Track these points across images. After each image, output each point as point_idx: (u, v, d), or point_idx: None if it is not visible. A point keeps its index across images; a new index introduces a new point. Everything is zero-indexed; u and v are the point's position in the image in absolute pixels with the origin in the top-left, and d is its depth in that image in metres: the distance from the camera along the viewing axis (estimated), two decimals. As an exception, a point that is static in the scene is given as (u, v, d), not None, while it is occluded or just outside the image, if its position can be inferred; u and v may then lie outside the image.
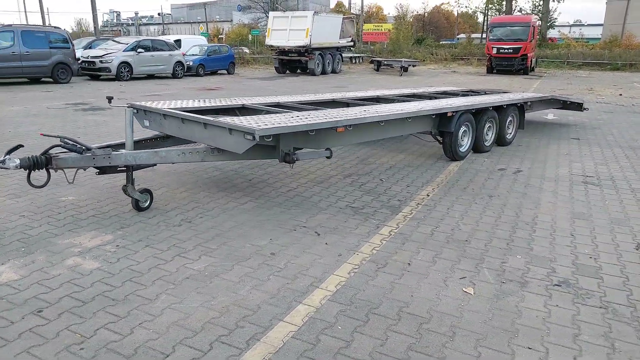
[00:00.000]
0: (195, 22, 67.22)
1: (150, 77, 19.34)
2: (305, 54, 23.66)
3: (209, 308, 2.64)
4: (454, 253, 3.44)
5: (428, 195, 4.80)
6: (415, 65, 27.86)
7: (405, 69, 26.31)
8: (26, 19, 28.88)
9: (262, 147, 4.16)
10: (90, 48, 19.23)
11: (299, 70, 25.40)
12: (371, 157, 6.48)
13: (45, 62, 15.11)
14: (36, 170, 3.47)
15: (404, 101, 6.79)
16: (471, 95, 8.17)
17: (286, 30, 23.72)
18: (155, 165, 4.22)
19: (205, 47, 22.38)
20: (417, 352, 2.30)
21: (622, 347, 2.38)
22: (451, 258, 3.36)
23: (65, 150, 3.58)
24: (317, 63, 24.30)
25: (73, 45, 16.31)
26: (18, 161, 3.34)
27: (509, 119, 7.26)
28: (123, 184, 4.00)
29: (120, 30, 72.29)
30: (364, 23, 51.08)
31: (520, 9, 47.38)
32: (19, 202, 4.28)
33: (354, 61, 40.28)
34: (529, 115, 9.70)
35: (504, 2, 45.80)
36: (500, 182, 5.32)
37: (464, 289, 2.92)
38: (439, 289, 2.92)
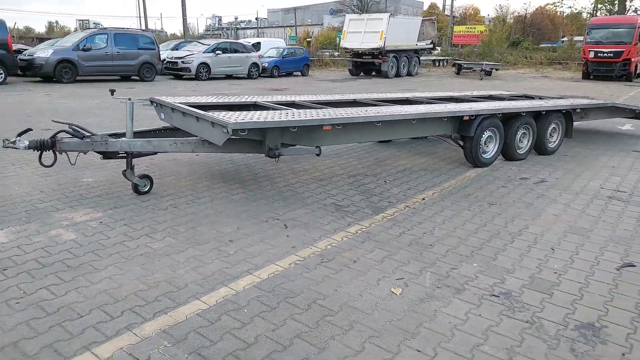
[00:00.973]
0: (288, 26, 69.72)
1: (229, 77, 20.48)
2: (379, 56, 23.64)
3: (142, 282, 2.89)
4: (408, 255, 3.39)
5: (423, 199, 4.71)
6: (498, 69, 26.57)
7: (489, 73, 25.25)
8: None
9: (248, 141, 4.38)
10: (176, 49, 20.81)
11: (373, 73, 25.44)
12: (390, 159, 6.43)
13: (133, 62, 16.66)
14: (44, 151, 3.98)
15: (433, 104, 6.64)
16: (520, 99, 7.70)
17: (361, 33, 23.86)
18: (155, 153, 4.61)
19: (281, 50, 23.17)
20: (303, 339, 2.36)
21: (515, 348, 2.25)
22: (402, 260, 3.31)
23: (69, 135, 4.06)
24: (391, 65, 24.14)
25: (158, 47, 17.80)
26: (27, 142, 3.87)
27: (552, 126, 6.80)
28: (144, 171, 4.44)
29: (220, 33, 76.89)
30: (455, 25, 49.64)
31: (636, 9, 43.00)
32: (46, 180, 4.89)
33: (437, 64, 39.38)
34: (592, 125, 9.00)
35: (616, 1, 41.72)
36: (513, 191, 5.05)
37: (391, 289, 2.89)
38: (367, 286, 2.92)
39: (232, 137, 4.28)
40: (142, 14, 27.50)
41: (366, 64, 24.98)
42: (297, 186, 5.00)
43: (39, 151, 3.97)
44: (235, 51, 20.03)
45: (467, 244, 3.63)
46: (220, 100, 5.51)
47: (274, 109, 5.21)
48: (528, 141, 6.52)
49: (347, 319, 2.55)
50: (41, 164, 4.03)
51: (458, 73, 28.44)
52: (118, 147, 4.15)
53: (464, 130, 5.76)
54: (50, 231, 3.60)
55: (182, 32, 27.00)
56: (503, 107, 5.97)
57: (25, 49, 17.01)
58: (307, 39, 48.21)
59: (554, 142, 6.96)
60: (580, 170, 5.99)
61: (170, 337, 2.35)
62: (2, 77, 14.10)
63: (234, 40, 21.89)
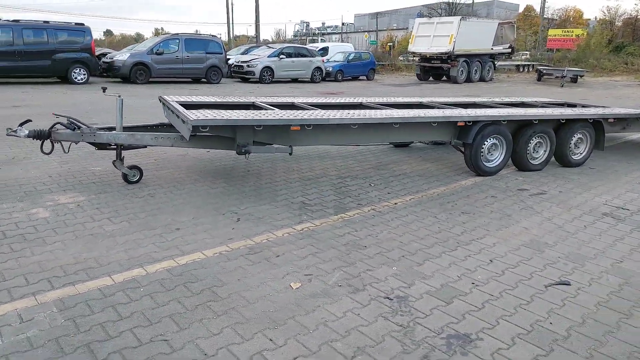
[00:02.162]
0: (371, 31, 69.77)
1: (294, 80, 21.11)
2: (448, 60, 23.04)
3: (74, 257, 3.23)
4: (335, 254, 3.43)
5: (395, 204, 4.67)
6: (582, 76, 24.67)
7: (574, 80, 23.60)
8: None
9: (220, 138, 4.64)
10: (245, 53, 21.85)
11: (444, 78, 24.84)
12: (394, 163, 6.38)
13: (201, 65, 17.78)
14: (43, 140, 4.54)
15: (441, 109, 6.47)
16: (552, 107, 7.20)
17: (430, 37, 23.45)
18: (145, 146, 5.01)
19: (347, 54, 23.39)
20: (172, 319, 2.53)
21: (367, 348, 2.25)
22: (325, 258, 3.36)
23: (64, 127, 4.59)
24: (461, 70, 23.45)
25: (225, 52, 18.84)
26: (27, 131, 4.43)
27: (577, 136, 6.34)
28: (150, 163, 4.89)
29: (306, 38, 78.94)
30: (550, 28, 46.76)
31: None
32: (61, 167, 5.52)
33: (521, 69, 37.38)
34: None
35: None
36: (500, 201, 4.83)
37: (291, 284, 2.97)
38: (271, 279, 3.02)
39: (204, 133, 4.58)
40: (229, 21, 29.17)
41: (435, 69, 24.48)
42: (279, 184, 5.17)
43: (40, 140, 4.53)
44: (300, 55, 20.60)
45: (404, 248, 3.59)
46: (221, 100, 5.84)
47: (265, 109, 5.43)
48: (545, 151, 6.13)
49: (226, 306, 2.69)
50: (42, 151, 4.59)
51: (539, 79, 26.86)
52: (104, 139, 4.61)
53: (464, 136, 5.58)
54: (32, 209, 4.11)
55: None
56: (507, 114, 5.69)
57: (109, 53, 18.82)
58: (389, 44, 47.97)
59: (580, 153, 6.47)
60: (594, 185, 5.55)
61: (62, 304, 2.64)
62: (85, 77, 15.75)
63: (299, 45, 22.49)
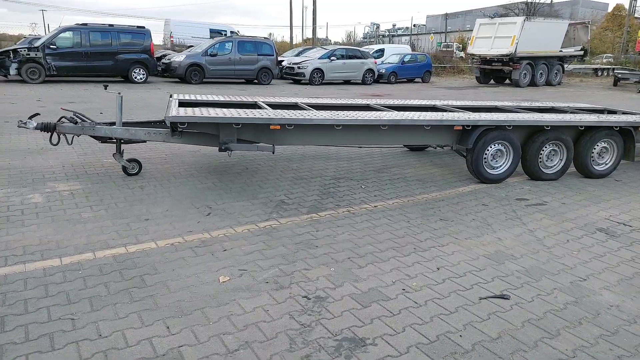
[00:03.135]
0: (442, 32, 68.09)
1: (347, 82, 21.15)
2: (510, 63, 22.01)
3: (39, 239, 3.50)
4: (281, 252, 3.46)
5: (375, 207, 4.60)
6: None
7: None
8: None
9: (205, 135, 4.81)
10: (299, 55, 22.21)
11: (507, 81, 23.77)
12: (399, 166, 6.26)
13: (252, 66, 18.32)
14: (50, 132, 4.94)
15: (453, 112, 6.24)
16: (581, 113, 6.67)
17: (491, 38, 22.51)
18: (144, 141, 5.30)
19: (402, 56, 23.05)
20: (90, 301, 2.69)
21: (254, 343, 2.28)
22: (269, 255, 3.40)
23: (67, 121, 4.98)
24: (524, 74, 22.34)
25: (277, 54, 19.25)
26: (35, 124, 4.86)
27: (600, 145, 5.88)
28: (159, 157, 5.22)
29: (375, 40, 78.71)
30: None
31: None
32: (77, 158, 5.97)
33: (599, 73, 34.95)
34: None
35: None
36: (488, 210, 4.62)
37: (220, 277, 3.05)
38: (205, 272, 3.11)
39: (191, 130, 4.78)
40: (291, 24, 29.78)
41: (496, 72, 23.48)
42: (269, 182, 5.26)
43: (47, 132, 4.94)
44: (351, 57, 20.60)
45: (355, 250, 3.54)
46: (225, 100, 6.03)
47: (263, 109, 5.55)
48: (561, 160, 5.75)
49: (146, 293, 2.81)
50: (51, 142, 5.01)
51: (615, 84, 25.04)
52: (102, 133, 4.94)
53: (464, 141, 5.37)
54: (29, 194, 4.50)
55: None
56: (511, 119, 5.38)
57: (169, 54, 19.89)
58: (459, 45, 46.64)
59: (605, 164, 5.99)
60: (607, 198, 5.13)
61: (4, 279, 2.89)
62: (144, 77, 16.78)
63: (350, 47, 22.45)
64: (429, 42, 53.07)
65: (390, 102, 6.78)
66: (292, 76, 20.05)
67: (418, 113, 5.43)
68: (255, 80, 18.62)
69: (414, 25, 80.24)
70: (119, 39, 16.13)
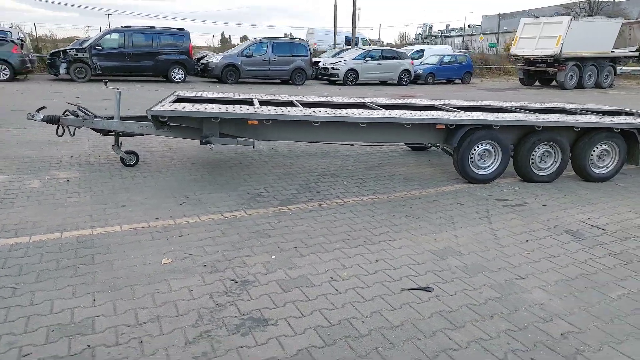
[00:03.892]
0: (500, 33, 65.99)
1: (383, 83, 21.09)
2: (555, 64, 21.14)
3: (19, 218, 3.85)
4: (233, 239, 3.64)
5: (348, 202, 4.70)
6: None
7: None
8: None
9: (189, 129, 5.09)
10: (335, 56, 22.37)
11: (554, 83, 22.84)
12: (391, 165, 6.30)
13: (286, 67, 18.68)
14: (56, 124, 5.39)
15: (450, 111, 6.20)
16: (595, 115, 6.37)
17: (535, 38, 21.71)
18: (142, 134, 5.65)
19: (441, 57, 22.68)
20: (36, 276, 2.98)
21: (164, 318, 2.47)
22: (220, 242, 3.59)
23: (70, 114, 5.40)
24: (570, 75, 21.40)
25: (311, 55, 19.52)
26: (42, 116, 5.31)
27: (600, 148, 5.67)
28: (163, 154, 5.59)
29: (428, 42, 77.36)
30: None
31: None
32: (88, 149, 6.42)
33: (659, 77, 32.76)
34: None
35: None
36: (461, 209, 4.60)
37: (164, 260, 3.27)
38: (152, 254, 3.33)
39: (176, 124, 5.07)
40: (335, 25, 30.10)
41: (540, 73, 22.60)
42: (255, 176, 5.45)
43: (52, 124, 5.39)
44: (387, 58, 20.53)
45: (305, 241, 3.67)
46: (222, 97, 6.30)
47: (254, 104, 5.76)
48: (555, 162, 5.59)
49: (90, 270, 3.07)
50: (57, 134, 5.46)
51: (672, 87, 23.43)
52: (100, 126, 5.33)
53: (450, 140, 5.36)
54: (29, 180, 4.94)
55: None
56: (496, 119, 5.30)
57: (207, 55, 20.62)
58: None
59: (606, 167, 5.76)
60: (595, 202, 4.96)
61: (-26, 252, 3.26)
62: (182, 77, 17.51)
63: (385, 48, 22.33)
64: (479, 43, 51.58)
65: (392, 101, 6.81)
66: (327, 77, 20.24)
67: (400, 111, 5.46)
68: (290, 81, 18.95)
69: (469, 26, 78.19)
70: (160, 40, 16.94)
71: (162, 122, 4.99)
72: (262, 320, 2.56)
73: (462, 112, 5.78)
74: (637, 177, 6.05)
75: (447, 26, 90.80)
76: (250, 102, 6.15)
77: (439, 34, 79.93)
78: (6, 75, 15.22)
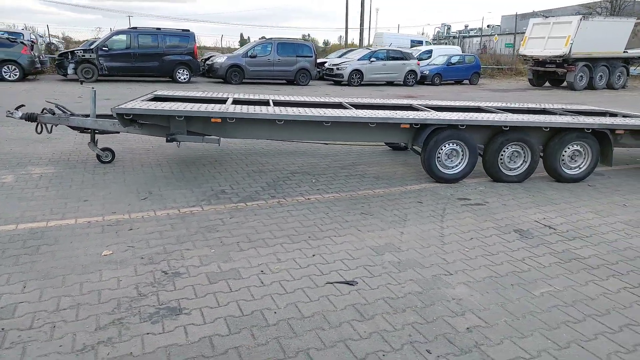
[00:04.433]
0: (518, 33, 65.07)
1: (389, 84, 21.07)
2: (564, 64, 20.83)
3: (-17, 212, 4.07)
4: (180, 234, 3.74)
5: (309, 199, 4.77)
6: None
7: None
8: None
9: (158, 126, 5.22)
10: (341, 57, 22.42)
11: (564, 84, 22.49)
12: (366, 164, 6.35)
13: (290, 68, 18.81)
14: (34, 122, 5.59)
15: (424, 111, 6.22)
16: (570, 115, 6.31)
17: (544, 39, 21.43)
18: (118, 132, 5.81)
19: (448, 57, 22.55)
20: (-20, 261, 3.15)
21: (84, 305, 2.59)
22: (166, 236, 3.69)
23: (47, 112, 5.59)
24: (579, 76, 21.07)
25: (315, 55, 19.61)
26: (20, 114, 5.51)
27: (572, 148, 5.63)
28: (144, 152, 5.77)
29: (446, 42, 76.67)
30: None
31: None
32: (73, 146, 6.60)
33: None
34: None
35: None
36: (418, 207, 4.64)
37: (105, 251, 3.39)
38: (96, 246, 3.45)
39: (145, 122, 5.21)
40: (347, 25, 30.15)
41: (550, 74, 22.29)
42: (225, 173, 5.55)
43: (31, 122, 5.59)
44: (392, 59, 20.50)
45: (250, 236, 3.75)
46: (198, 95, 6.44)
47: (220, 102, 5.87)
48: (525, 162, 5.58)
49: (31, 260, 3.20)
50: (36, 131, 5.66)
51: (688, 89, 22.85)
52: (75, 123, 5.51)
53: (417, 140, 5.39)
54: (4, 175, 5.13)
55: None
56: (463, 119, 5.30)
57: (213, 56, 20.87)
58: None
59: (578, 167, 5.72)
60: (558, 202, 4.95)
61: None
62: (187, 77, 17.79)
63: (391, 48, 22.27)
64: (494, 43, 50.98)
65: (369, 101, 6.86)
66: (332, 77, 20.31)
67: (368, 111, 5.51)
68: (294, 82, 19.07)
69: (488, 26, 77.25)
70: (165, 41, 17.23)
71: (130, 120, 5.13)
72: (177, 310, 2.65)
73: (433, 112, 5.80)
74: (613, 179, 5.99)
75: (466, 26, 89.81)
76: (224, 101, 6.27)
77: (457, 35, 79.16)
78: (16, 75, 15.67)
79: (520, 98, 17.03)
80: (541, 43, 21.61)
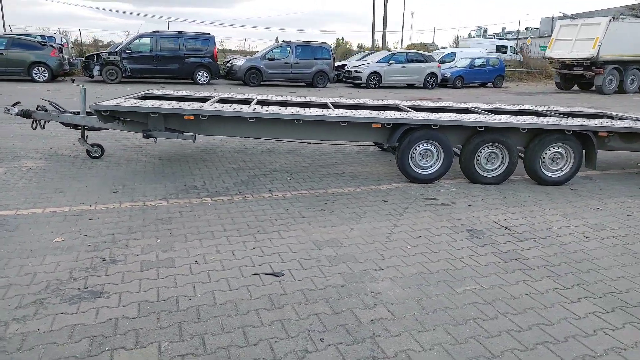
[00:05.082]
0: (547, 36, 63.24)
1: (410, 87, 20.95)
2: (592, 67, 20.16)
3: (-37, 200, 4.36)
4: (135, 224, 3.91)
5: (275, 196, 4.87)
6: None
7: None
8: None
9: (136, 122, 5.42)
10: (361, 59, 22.42)
11: (593, 88, 21.77)
12: (348, 163, 6.40)
13: (308, 70, 18.98)
14: (30, 118, 5.91)
15: (408, 112, 6.21)
16: (565, 118, 6.14)
17: (571, 41, 20.85)
18: (107, 129, 6.06)
19: (471, 60, 22.19)
20: (-60, 244, 3.39)
21: (15, 286, 2.77)
22: (122, 226, 3.86)
23: (40, 109, 5.91)
24: (609, 79, 20.38)
25: (334, 58, 19.72)
26: (17, 110, 5.85)
27: (552, 150, 5.52)
28: (136, 148, 6.06)
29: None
30: None
31: None
32: (71, 142, 6.92)
33: None
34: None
35: None
36: (381, 206, 4.66)
37: (57, 238, 3.59)
38: (52, 233, 3.65)
39: (128, 119, 5.43)
40: (373, 28, 30.17)
41: (578, 77, 21.61)
42: (204, 170, 5.72)
43: (26, 118, 5.92)
44: (412, 61, 20.37)
45: (201, 229, 3.87)
46: (187, 95, 6.65)
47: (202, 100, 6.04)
48: (502, 163, 5.50)
49: (-13, 243, 3.44)
50: (32, 127, 5.99)
51: None
52: (64, 120, 5.79)
53: (391, 140, 5.41)
54: (-4, 168, 5.48)
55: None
56: (435, 119, 5.27)
57: (234, 59, 21.27)
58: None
59: (560, 170, 5.59)
60: (527, 204, 4.87)
61: None
62: (207, 79, 18.22)
63: (411, 51, 22.08)
64: (528, 46, 49.70)
65: (355, 101, 6.90)
66: (350, 80, 20.36)
67: (337, 110, 5.56)
68: (312, 84, 19.21)
69: (526, 29, 75.32)
70: (186, 44, 17.71)
71: (112, 117, 5.35)
72: (98, 293, 2.79)
73: (412, 112, 5.80)
74: (601, 183, 5.83)
75: (503, 29, 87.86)
76: (207, 99, 6.45)
77: (493, 37, 77.50)
78: (45, 76, 16.45)
79: (540, 101, 16.58)
80: (568, 45, 21.02)
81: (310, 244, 3.62)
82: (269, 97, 6.76)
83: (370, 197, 4.90)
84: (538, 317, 2.69)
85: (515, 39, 75.26)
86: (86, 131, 6.02)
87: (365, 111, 5.56)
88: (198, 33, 18.41)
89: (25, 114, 5.86)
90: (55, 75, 17.04)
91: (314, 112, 5.28)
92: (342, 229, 3.97)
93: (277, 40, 20.47)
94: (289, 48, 18.88)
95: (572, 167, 5.55)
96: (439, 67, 20.93)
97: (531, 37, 49.54)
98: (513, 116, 5.89)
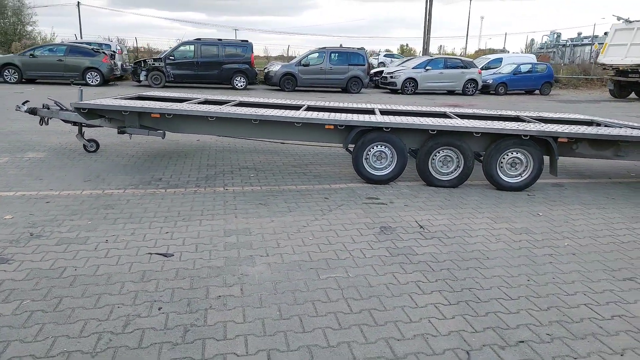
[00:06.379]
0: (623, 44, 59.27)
1: (450, 93, 20.66)
2: (649, 74, 18.89)
3: (-44, 183, 5.08)
4: (81, 208, 4.40)
5: (226, 190, 5.22)
6: None
7: None
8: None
9: (115, 120, 5.99)
10: (399, 65, 22.36)
11: (654, 95, 20.39)
12: (320, 164, 6.64)
13: (342, 76, 19.27)
14: (37, 115, 6.68)
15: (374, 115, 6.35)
16: (547, 123, 6.03)
17: (626, 46, 19.61)
18: (101, 126, 6.70)
19: (516, 66, 21.47)
20: None
21: None
22: (71, 210, 4.36)
23: (42, 107, 6.65)
24: (670, 88, 18.90)
25: (368, 64, 19.86)
26: (26, 107, 6.63)
27: (510, 155, 5.47)
28: (133, 143, 6.75)
29: (553, 52, 72.30)
30: None
31: None
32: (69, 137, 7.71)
33: None
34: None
35: None
36: (318, 203, 4.88)
37: (7, 216, 4.14)
38: (7, 212, 4.25)
39: (112, 117, 6.02)
40: (424, 34, 29.89)
41: (634, 84, 20.26)
42: (179, 165, 6.19)
43: (33, 115, 6.70)
44: (451, 67, 20.07)
45: (136, 215, 4.30)
46: (182, 96, 7.18)
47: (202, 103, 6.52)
48: (458, 167, 5.53)
49: (-50, 217, 4.06)
50: (39, 123, 6.76)
51: None
52: (62, 117, 6.49)
53: (346, 141, 5.61)
54: (3, 157, 6.24)
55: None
56: (386, 122, 5.40)
57: (270, 64, 21.94)
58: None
59: (519, 175, 5.53)
60: (445, 207, 4.91)
61: None
62: (244, 84, 19.02)
63: (449, 56, 21.68)
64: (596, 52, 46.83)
65: (334, 105, 7.12)
66: (386, 85, 20.40)
67: (295, 111, 5.82)
68: (346, 89, 19.46)
69: (605, 33, 71.04)
70: (225, 51, 18.61)
71: (97, 115, 5.96)
72: (5, 260, 3.26)
73: (378, 115, 5.96)
74: (569, 191, 5.67)
75: (579, 34, 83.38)
76: (205, 102, 6.93)
77: (567, 42, 73.73)
78: (97, 80, 17.94)
79: (585, 110, 15.78)
80: (622, 51, 19.79)
81: (220, 232, 3.92)
82: (254, 100, 7.15)
83: (315, 195, 5.12)
84: (375, 303, 2.83)
85: (589, 44, 70.88)
86: (83, 127, 6.69)
87: (314, 112, 5.80)
88: (237, 40, 19.29)
89: (32, 112, 6.63)
90: (107, 80, 18.51)
91: (268, 112, 5.58)
92: (262, 220, 4.24)
93: (340, 46, 20.76)
94: (323, 54, 19.26)
95: (532, 173, 5.45)
96: (480, 73, 20.43)
97: (598, 43, 46.71)
98: (472, 120, 5.87)
